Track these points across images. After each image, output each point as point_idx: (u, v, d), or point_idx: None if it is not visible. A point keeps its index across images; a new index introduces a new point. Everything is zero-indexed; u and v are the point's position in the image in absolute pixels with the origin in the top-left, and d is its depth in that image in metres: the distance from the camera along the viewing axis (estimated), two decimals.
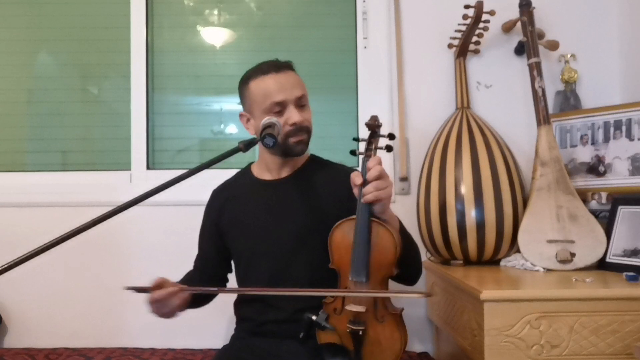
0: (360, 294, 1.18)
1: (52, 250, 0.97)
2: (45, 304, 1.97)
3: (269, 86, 1.33)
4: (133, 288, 1.20)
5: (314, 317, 1.17)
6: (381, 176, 1.17)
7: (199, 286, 1.43)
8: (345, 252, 1.21)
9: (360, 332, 1.16)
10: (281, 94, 1.32)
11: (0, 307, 1.96)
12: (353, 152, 1.28)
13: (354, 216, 1.21)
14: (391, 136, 1.25)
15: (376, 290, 1.20)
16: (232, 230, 1.44)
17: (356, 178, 1.20)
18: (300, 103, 1.35)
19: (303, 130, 1.35)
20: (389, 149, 1.27)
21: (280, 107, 1.33)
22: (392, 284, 1.34)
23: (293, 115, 1.32)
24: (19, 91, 2.14)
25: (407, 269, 1.28)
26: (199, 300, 1.44)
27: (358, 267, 1.17)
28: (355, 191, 1.21)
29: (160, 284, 1.25)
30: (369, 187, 1.16)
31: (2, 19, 2.14)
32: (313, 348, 1.21)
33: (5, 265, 0.95)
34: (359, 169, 1.27)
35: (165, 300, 1.24)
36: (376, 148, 1.25)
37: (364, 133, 1.29)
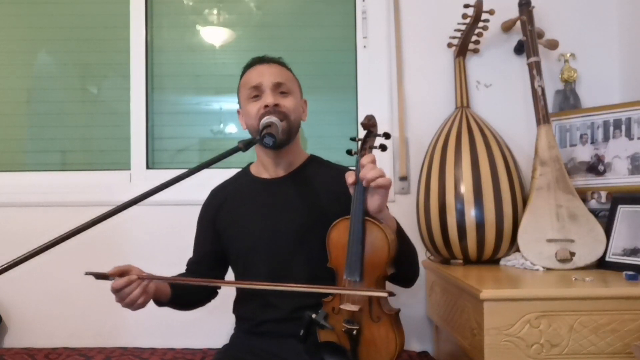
0: (345, 291, 1.19)
1: (52, 250, 0.97)
2: (45, 304, 1.97)
3: (250, 75, 1.39)
4: (92, 273, 1.17)
5: (313, 316, 1.17)
6: (374, 169, 1.17)
7: (190, 290, 1.41)
8: (341, 251, 1.21)
9: (355, 332, 1.16)
10: (258, 78, 1.36)
11: (0, 307, 1.96)
12: (349, 152, 1.27)
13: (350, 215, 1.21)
14: (386, 135, 1.25)
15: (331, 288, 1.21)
16: (230, 229, 1.44)
17: (349, 177, 1.20)
18: (280, 90, 1.36)
19: (278, 113, 1.32)
20: (383, 148, 1.26)
21: (257, 92, 1.36)
22: (389, 285, 1.35)
23: (267, 97, 1.34)
24: (18, 91, 2.13)
25: (403, 270, 1.28)
26: (185, 302, 1.43)
27: (352, 266, 1.18)
28: (351, 190, 1.21)
29: (123, 271, 1.20)
30: (365, 172, 1.16)
31: (2, 19, 2.14)
32: (312, 347, 1.21)
33: (5, 265, 0.95)
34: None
35: (125, 289, 1.18)
36: (371, 147, 1.25)
37: (362, 133, 1.29)
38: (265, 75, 1.36)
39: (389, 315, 1.17)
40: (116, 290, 1.19)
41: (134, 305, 1.21)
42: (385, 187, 1.17)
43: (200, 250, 1.50)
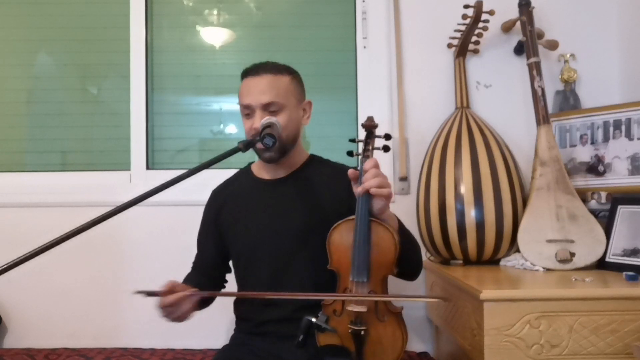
0: (368, 297, 1.17)
1: (52, 250, 0.97)
2: (45, 304, 1.97)
3: (242, 89, 1.38)
4: (143, 292, 1.19)
5: (313, 320, 1.16)
6: (378, 176, 1.17)
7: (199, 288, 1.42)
8: (344, 253, 1.21)
9: (362, 332, 1.16)
10: (248, 98, 1.34)
11: (0, 307, 1.96)
12: (350, 153, 1.27)
13: (352, 217, 1.21)
14: (387, 136, 1.25)
15: (391, 295, 1.21)
16: (232, 229, 1.44)
17: (353, 174, 1.20)
18: (269, 109, 1.33)
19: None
20: (385, 149, 1.26)
21: (249, 110, 1.35)
22: (395, 283, 1.35)
23: (255, 120, 1.32)
24: (19, 91, 2.14)
25: (407, 265, 1.28)
26: (201, 303, 1.43)
27: (359, 267, 1.17)
28: (354, 189, 1.21)
29: (170, 288, 1.23)
30: (369, 180, 1.15)
31: (2, 19, 2.14)
32: (313, 349, 1.21)
33: (5, 265, 0.95)
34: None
35: (176, 305, 1.23)
36: (373, 149, 1.25)
37: (363, 134, 1.29)
38: (254, 95, 1.33)
39: (395, 314, 1.18)
40: (166, 306, 1.22)
41: (184, 319, 1.27)
42: (386, 198, 1.17)
43: (204, 250, 1.51)
